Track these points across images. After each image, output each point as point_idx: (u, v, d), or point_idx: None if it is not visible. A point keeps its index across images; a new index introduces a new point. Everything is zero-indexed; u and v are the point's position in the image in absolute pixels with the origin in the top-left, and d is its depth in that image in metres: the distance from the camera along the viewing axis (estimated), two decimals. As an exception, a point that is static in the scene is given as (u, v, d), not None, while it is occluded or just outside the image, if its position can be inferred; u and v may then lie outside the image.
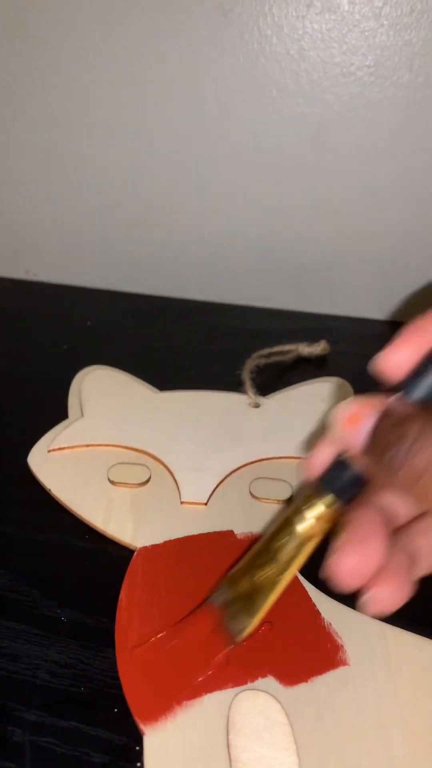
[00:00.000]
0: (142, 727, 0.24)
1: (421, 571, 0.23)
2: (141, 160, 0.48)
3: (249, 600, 0.23)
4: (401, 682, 0.26)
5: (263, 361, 0.45)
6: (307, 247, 0.49)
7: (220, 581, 0.28)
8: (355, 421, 0.21)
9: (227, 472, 0.36)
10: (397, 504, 0.23)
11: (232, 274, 0.52)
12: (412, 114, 0.43)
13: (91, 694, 0.26)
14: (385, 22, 0.40)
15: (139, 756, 0.24)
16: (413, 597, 0.28)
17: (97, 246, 0.52)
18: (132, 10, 0.42)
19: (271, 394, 0.42)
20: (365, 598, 0.22)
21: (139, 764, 0.24)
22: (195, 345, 0.48)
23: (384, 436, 0.20)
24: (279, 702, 0.25)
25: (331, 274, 0.50)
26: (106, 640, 0.27)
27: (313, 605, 0.29)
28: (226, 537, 0.32)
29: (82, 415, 0.39)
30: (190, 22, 0.42)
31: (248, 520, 0.33)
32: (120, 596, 0.29)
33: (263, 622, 0.27)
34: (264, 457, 0.37)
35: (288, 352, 0.46)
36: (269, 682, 0.26)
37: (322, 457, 0.22)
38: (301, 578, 0.30)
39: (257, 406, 0.41)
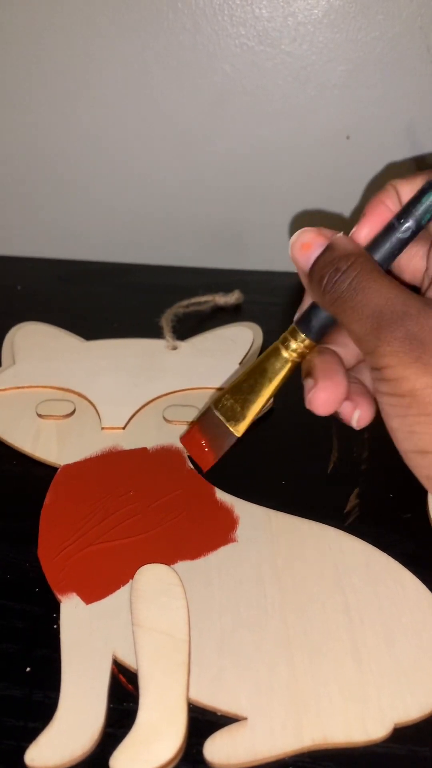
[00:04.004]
0: (59, 596, 0.29)
1: None
2: (58, 131, 0.52)
3: (245, 402, 0.29)
4: (279, 551, 0.31)
5: (182, 310, 0.49)
6: (217, 208, 0.54)
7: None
8: (307, 248, 0.25)
9: (143, 402, 0.40)
10: (345, 353, 0.28)
11: (149, 237, 0.56)
12: (300, 78, 0.48)
13: (16, 579, 0.30)
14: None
15: (55, 620, 0.28)
16: (288, 483, 0.34)
17: (21, 216, 0.56)
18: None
19: (189, 339, 0.46)
20: (355, 420, 0.27)
21: (55, 626, 0.28)
22: (117, 302, 0.52)
23: (322, 266, 0.25)
24: (175, 571, 0.30)
25: (240, 232, 0.55)
26: (30, 539, 0.32)
27: (214, 493, 0.34)
28: (140, 452, 0.37)
29: (14, 363, 0.43)
30: (92, 3, 0.46)
31: (160, 439, 0.38)
32: (44, 503, 0.33)
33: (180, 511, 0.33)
34: (177, 389, 0.41)
35: (205, 302, 0.51)
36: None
37: (304, 304, 0.28)
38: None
39: (175, 348, 0.45)
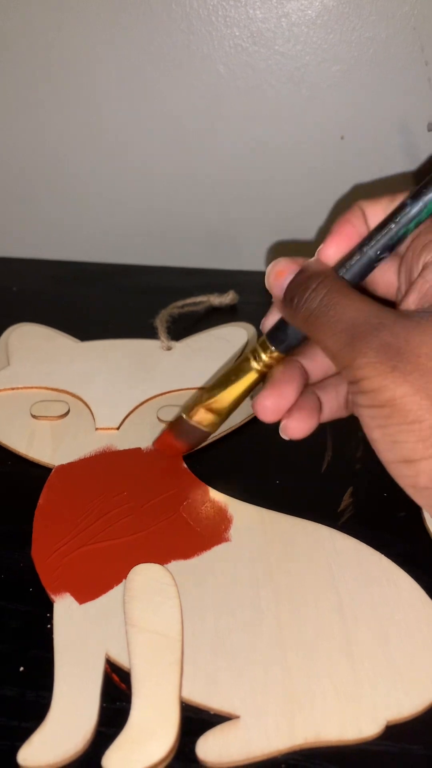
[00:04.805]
0: (53, 596, 0.29)
1: (324, 416, 0.29)
2: (53, 133, 0.52)
3: (216, 409, 0.32)
4: (272, 550, 0.31)
5: (177, 311, 0.49)
6: (211, 209, 0.54)
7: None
8: (281, 275, 0.26)
9: (138, 403, 0.40)
10: (312, 366, 0.29)
11: (144, 238, 0.56)
12: (294, 78, 0.48)
13: (10, 579, 0.30)
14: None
15: (49, 620, 0.28)
16: (282, 482, 0.35)
17: (16, 217, 0.56)
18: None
19: (183, 339, 0.46)
20: (281, 427, 0.28)
21: (49, 626, 0.28)
22: (113, 303, 0.52)
23: (293, 287, 0.25)
24: (168, 570, 0.30)
25: (235, 232, 0.55)
26: (24, 539, 0.32)
27: (208, 493, 0.34)
28: (134, 453, 0.37)
29: (9, 364, 0.43)
30: (86, 5, 0.46)
31: (154, 439, 0.38)
32: (38, 503, 0.33)
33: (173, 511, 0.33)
34: (171, 389, 0.41)
35: (200, 303, 0.51)
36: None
37: (272, 318, 0.29)
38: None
39: (169, 349, 0.45)
